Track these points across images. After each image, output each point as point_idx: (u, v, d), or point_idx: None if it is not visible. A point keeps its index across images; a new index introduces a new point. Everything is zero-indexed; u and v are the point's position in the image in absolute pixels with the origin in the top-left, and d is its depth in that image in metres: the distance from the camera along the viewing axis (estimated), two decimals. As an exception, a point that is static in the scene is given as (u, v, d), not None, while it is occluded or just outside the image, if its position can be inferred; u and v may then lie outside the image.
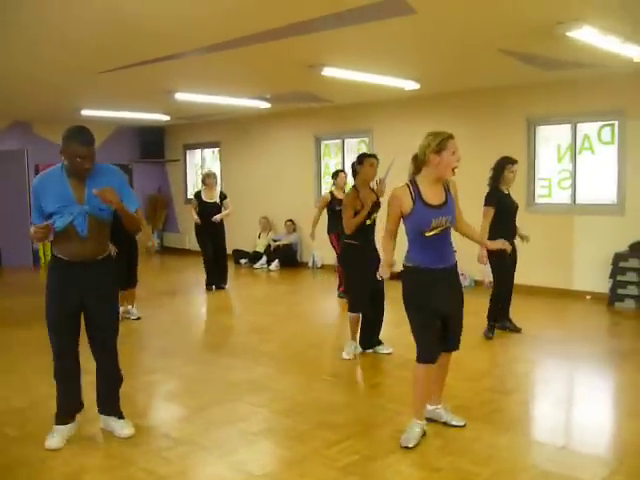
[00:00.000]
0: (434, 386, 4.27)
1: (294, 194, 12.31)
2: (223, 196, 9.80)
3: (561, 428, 4.50)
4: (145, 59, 6.89)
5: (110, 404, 4.25)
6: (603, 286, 8.40)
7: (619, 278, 8.15)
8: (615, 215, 8.45)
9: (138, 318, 7.85)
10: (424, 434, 4.08)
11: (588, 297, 8.63)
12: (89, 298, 3.98)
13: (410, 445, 3.94)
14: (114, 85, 8.51)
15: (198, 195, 9.72)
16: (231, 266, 12.42)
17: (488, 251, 6.35)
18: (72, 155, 3.74)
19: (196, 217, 9.63)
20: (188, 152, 14.90)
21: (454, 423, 4.30)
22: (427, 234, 3.86)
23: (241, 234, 13.08)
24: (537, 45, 6.45)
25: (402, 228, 3.99)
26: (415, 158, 3.98)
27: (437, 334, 4.02)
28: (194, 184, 14.52)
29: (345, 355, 5.96)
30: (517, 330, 6.83)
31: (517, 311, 6.98)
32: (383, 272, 4.09)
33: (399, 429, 4.24)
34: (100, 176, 3.90)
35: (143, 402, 5.04)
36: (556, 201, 9.16)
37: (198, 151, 14.76)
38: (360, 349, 6.09)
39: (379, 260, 5.91)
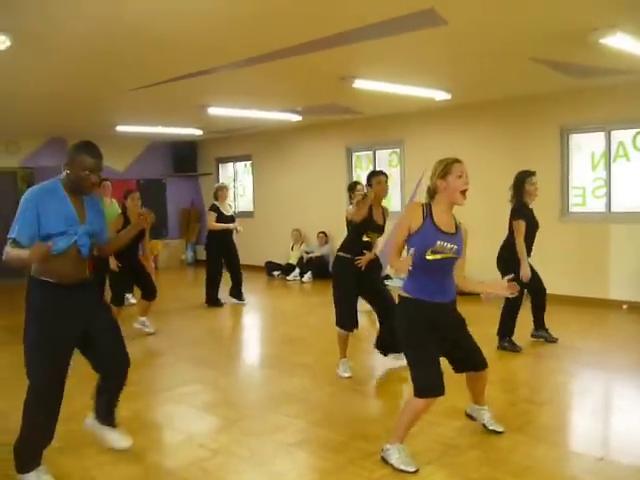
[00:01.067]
0: (476, 392, 4.31)
1: (326, 206, 12.35)
2: (230, 207, 9.86)
3: (599, 439, 4.45)
4: (178, 75, 7.01)
5: (113, 415, 4.10)
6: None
7: (656, 287, 8.04)
8: (651, 223, 8.34)
9: (152, 333, 7.75)
10: None
11: (625, 306, 8.51)
12: (91, 319, 3.76)
13: (414, 468, 3.80)
14: (148, 101, 8.66)
15: (217, 208, 9.57)
16: (264, 278, 12.56)
17: (502, 264, 6.39)
18: (81, 168, 3.55)
19: (218, 225, 9.45)
20: (220, 165, 15.04)
21: (492, 428, 4.31)
22: (429, 257, 3.71)
23: (273, 246, 13.17)
24: (570, 53, 6.43)
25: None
26: (429, 190, 3.94)
27: (439, 364, 3.79)
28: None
29: (343, 373, 5.81)
30: (553, 340, 6.78)
31: (552, 321, 6.92)
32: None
33: (434, 440, 4.25)
34: (91, 197, 3.77)
35: (180, 413, 5.10)
36: (591, 210, 9.07)
37: (230, 164, 14.90)
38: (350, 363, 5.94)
39: (378, 273, 5.93)
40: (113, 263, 7.33)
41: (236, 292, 9.86)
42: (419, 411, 3.81)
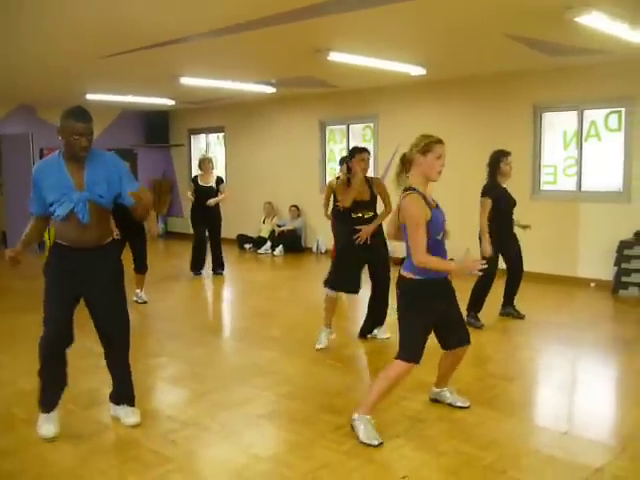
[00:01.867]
0: (445, 372, 4.35)
1: (299, 179, 12.31)
2: (220, 181, 9.80)
3: (564, 414, 4.53)
4: (150, 43, 6.87)
5: (122, 394, 4.21)
6: (607, 273, 8.41)
7: (624, 266, 8.15)
8: (621, 202, 8.44)
9: (144, 302, 7.90)
10: None
11: (592, 284, 8.63)
12: (92, 287, 3.91)
13: (378, 442, 3.83)
14: (119, 69, 8.50)
15: (195, 179, 9.74)
16: (235, 251, 12.52)
17: (480, 240, 6.42)
18: (69, 133, 3.66)
19: (191, 197, 9.68)
20: (193, 137, 14.89)
21: (459, 404, 4.36)
22: (439, 237, 3.84)
23: (245, 219, 13.11)
24: (545, 30, 6.42)
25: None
26: (403, 157, 3.97)
27: (427, 338, 3.95)
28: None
29: (318, 345, 5.79)
30: (520, 317, 6.86)
31: (521, 297, 6.99)
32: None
33: (402, 413, 4.30)
34: (99, 162, 3.82)
35: (148, 385, 5.08)
36: (561, 188, 9.15)
37: (203, 136, 14.74)
38: (332, 335, 5.95)
39: (378, 248, 5.93)
40: (115, 232, 7.26)
41: (214, 264, 9.90)
42: (396, 377, 3.88)
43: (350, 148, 5.96)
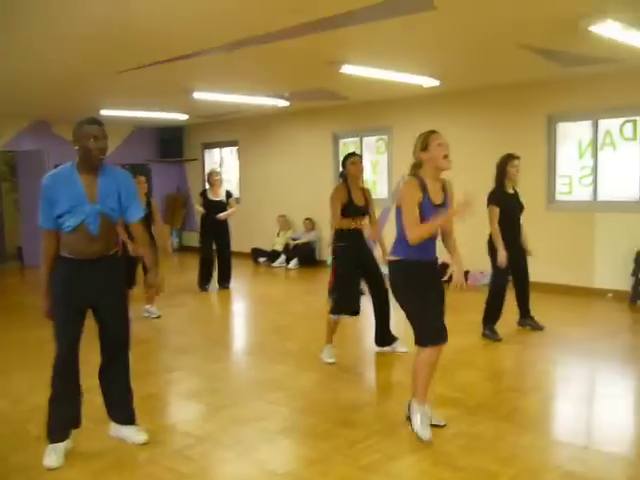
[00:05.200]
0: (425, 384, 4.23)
1: (312, 192, 12.30)
2: (229, 194, 9.80)
3: (584, 427, 4.46)
4: (163, 58, 6.91)
5: (124, 410, 4.16)
6: (625, 284, 8.32)
7: (641, 276, 8.07)
8: (637, 212, 8.34)
9: (158, 317, 7.90)
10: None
11: (609, 295, 8.54)
12: (99, 296, 3.89)
13: (428, 438, 4.00)
14: (133, 84, 8.55)
15: (204, 193, 9.71)
16: (249, 264, 12.54)
17: (489, 250, 6.43)
18: (86, 137, 3.68)
19: (201, 209, 9.61)
20: (206, 151, 14.94)
21: (434, 422, 4.19)
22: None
23: (259, 233, 13.12)
24: (559, 40, 6.40)
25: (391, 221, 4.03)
26: (413, 166, 4.12)
27: (441, 314, 4.11)
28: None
29: (327, 359, 5.82)
30: (540, 328, 6.78)
31: (537, 309, 6.93)
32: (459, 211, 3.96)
33: (421, 428, 4.24)
34: (112, 177, 3.85)
35: (164, 400, 5.07)
36: (577, 198, 9.07)
37: (216, 150, 14.79)
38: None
39: (372, 257, 5.97)
40: (131, 246, 7.29)
41: (221, 278, 9.89)
42: (427, 362, 4.01)
43: (344, 157, 5.98)
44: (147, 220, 7.56)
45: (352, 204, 5.75)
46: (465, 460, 3.77)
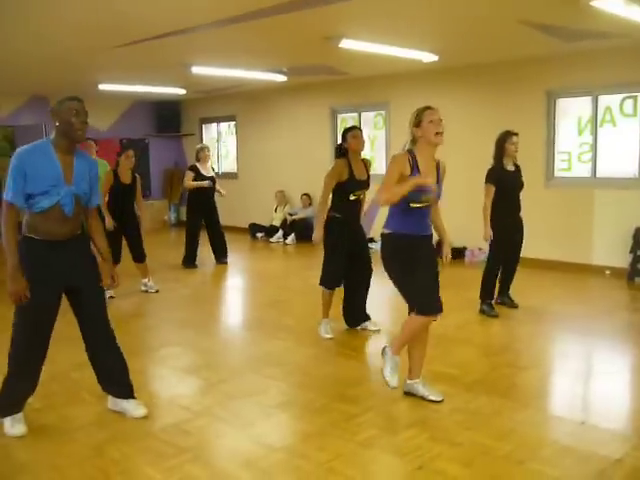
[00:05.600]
0: (415, 360, 4.32)
1: (310, 167, 12.25)
2: (213, 169, 9.80)
3: (581, 403, 4.49)
4: (161, 33, 6.83)
5: (125, 387, 4.16)
6: (623, 261, 8.32)
7: (639, 253, 8.06)
8: (636, 189, 8.32)
9: (157, 291, 7.91)
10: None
11: (607, 272, 8.55)
12: (74, 277, 3.82)
13: (395, 385, 4.25)
14: (130, 59, 8.48)
15: (195, 168, 9.52)
16: (247, 240, 12.53)
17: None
18: (68, 112, 3.65)
19: (193, 183, 9.39)
20: (204, 126, 14.86)
21: (432, 398, 4.26)
22: (413, 205, 4.04)
23: (257, 208, 13.10)
24: (559, 15, 6.33)
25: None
26: (411, 141, 4.16)
27: (435, 284, 4.18)
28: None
29: (324, 334, 5.86)
30: (514, 306, 6.77)
31: (534, 286, 6.96)
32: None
33: (417, 404, 4.27)
34: (85, 160, 3.84)
35: (162, 374, 5.08)
36: (576, 175, 9.04)
37: (214, 125, 14.71)
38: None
39: (364, 236, 6.01)
40: (109, 222, 7.29)
41: (218, 253, 9.85)
42: (417, 329, 4.15)
43: (343, 130, 5.92)
44: (130, 195, 7.60)
45: (354, 179, 5.70)
46: (462, 435, 3.79)
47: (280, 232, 12.33)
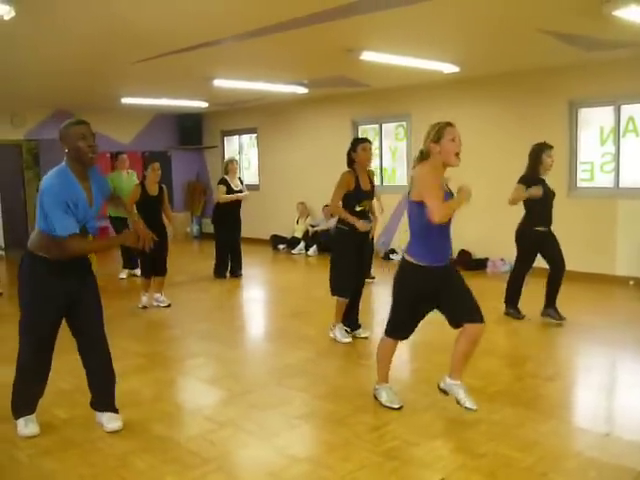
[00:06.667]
0: (458, 358, 4.21)
1: (331, 179, 12.02)
2: (241, 181, 9.83)
3: (605, 415, 4.45)
4: (182, 47, 6.92)
5: (107, 401, 4.17)
6: (647, 271, 8.26)
7: (663, 263, 8.01)
8: (660, 199, 8.28)
9: (168, 305, 7.87)
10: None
11: (631, 282, 8.48)
12: (77, 293, 3.90)
13: (398, 405, 4.36)
14: (153, 73, 8.59)
15: (225, 181, 9.52)
16: (269, 251, 12.59)
17: (525, 233, 6.52)
18: (75, 136, 3.69)
19: (227, 196, 9.41)
20: (226, 138, 14.97)
21: (467, 405, 4.18)
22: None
23: (279, 219, 13.15)
24: (581, 25, 6.32)
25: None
26: (421, 154, 4.05)
27: (419, 319, 4.23)
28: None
29: (344, 339, 6.03)
30: (561, 319, 6.60)
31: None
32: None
33: (440, 415, 4.28)
34: (99, 181, 3.93)
35: (187, 385, 5.12)
36: (599, 185, 8.99)
37: (236, 137, 14.82)
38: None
39: (370, 249, 6.11)
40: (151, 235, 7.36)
41: (234, 266, 9.87)
42: (387, 349, 4.33)
43: (353, 140, 6.08)
44: (157, 207, 7.67)
45: (360, 189, 5.84)
46: (485, 446, 3.78)
47: (302, 244, 12.37)
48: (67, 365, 4.48)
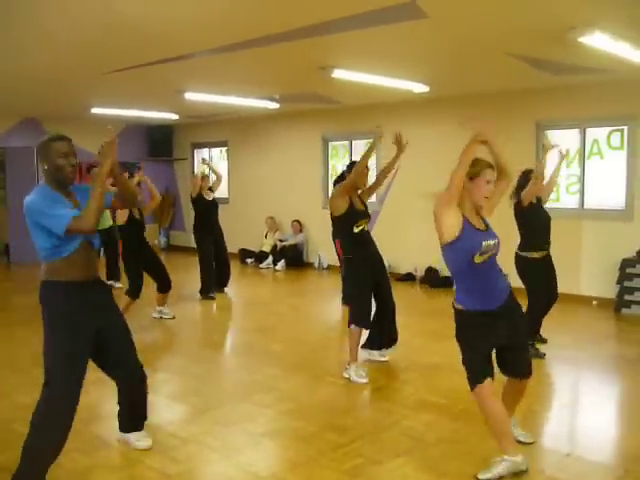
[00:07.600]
0: (507, 402, 4.04)
1: (301, 195, 12.33)
2: (212, 190, 9.63)
3: (567, 435, 4.50)
4: (153, 60, 6.90)
5: (140, 422, 4.13)
6: (610, 292, 8.39)
7: (626, 284, 8.13)
8: (623, 221, 8.44)
9: (173, 317, 7.87)
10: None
11: (594, 302, 8.61)
12: (106, 318, 3.73)
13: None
14: (123, 84, 8.53)
15: (200, 196, 9.33)
16: (237, 265, 12.51)
17: (522, 262, 6.34)
18: (56, 155, 3.45)
19: (196, 187, 9.27)
20: (196, 151, 14.92)
21: (520, 439, 4.08)
22: (477, 260, 3.61)
23: (247, 234, 13.12)
24: (548, 50, 6.45)
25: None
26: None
27: (489, 357, 3.81)
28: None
29: (359, 379, 5.48)
30: (543, 341, 6.52)
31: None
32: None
33: (403, 433, 4.29)
34: (83, 191, 3.62)
35: (150, 401, 5.04)
36: (564, 206, 9.14)
37: (206, 150, 14.76)
38: (370, 355, 5.97)
39: (382, 267, 5.94)
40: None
41: (221, 281, 9.63)
42: (488, 394, 3.78)
43: (349, 162, 5.99)
44: (143, 223, 7.58)
45: (355, 209, 5.71)
46: (448, 465, 3.80)
47: (270, 258, 12.36)
48: (27, 379, 4.42)
